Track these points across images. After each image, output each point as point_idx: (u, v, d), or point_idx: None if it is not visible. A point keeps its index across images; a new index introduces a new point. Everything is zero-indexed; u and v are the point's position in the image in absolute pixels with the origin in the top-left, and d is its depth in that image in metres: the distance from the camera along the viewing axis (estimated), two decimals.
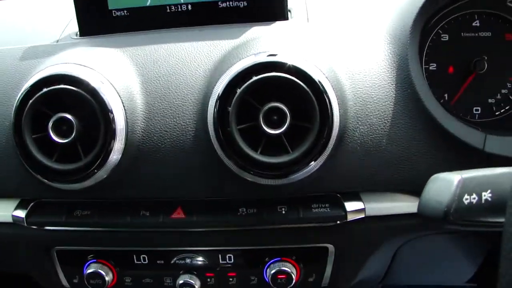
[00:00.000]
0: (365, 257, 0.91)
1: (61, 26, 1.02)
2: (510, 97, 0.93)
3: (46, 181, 0.83)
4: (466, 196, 0.55)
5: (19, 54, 0.93)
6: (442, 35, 0.93)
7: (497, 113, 0.94)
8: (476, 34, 0.93)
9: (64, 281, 1.01)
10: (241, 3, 0.91)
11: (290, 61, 0.76)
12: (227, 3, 0.92)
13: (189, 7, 0.93)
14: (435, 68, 0.93)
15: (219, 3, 0.92)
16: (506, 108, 0.93)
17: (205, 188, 0.84)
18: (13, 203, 0.93)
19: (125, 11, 0.95)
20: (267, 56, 0.77)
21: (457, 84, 0.93)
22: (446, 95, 0.93)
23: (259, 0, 0.91)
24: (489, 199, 0.56)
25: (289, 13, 0.93)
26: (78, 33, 0.97)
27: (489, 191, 0.56)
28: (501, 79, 0.93)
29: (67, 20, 1.03)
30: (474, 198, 0.55)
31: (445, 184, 0.55)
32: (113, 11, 0.95)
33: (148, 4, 0.94)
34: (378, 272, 1.04)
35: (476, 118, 0.94)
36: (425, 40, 0.92)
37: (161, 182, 0.84)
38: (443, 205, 0.54)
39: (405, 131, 0.81)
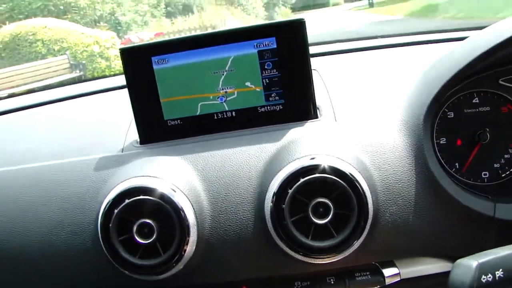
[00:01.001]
0: None
1: (121, 135, 1.19)
2: None
3: (129, 273, 0.99)
4: (483, 277, 0.72)
5: (93, 164, 1.11)
6: (448, 113, 1.11)
7: (503, 175, 1.10)
8: (477, 110, 1.10)
9: None
10: (277, 107, 1.10)
11: (328, 162, 0.93)
12: (265, 108, 1.10)
13: (233, 113, 1.11)
14: (445, 142, 1.10)
15: (258, 108, 1.10)
16: (511, 170, 1.09)
17: (265, 269, 1.01)
18: None
19: (178, 121, 1.13)
20: (310, 159, 0.95)
21: (466, 154, 1.10)
22: (457, 164, 1.10)
23: (292, 103, 1.09)
24: (502, 275, 0.72)
25: (318, 111, 1.11)
26: (139, 141, 1.16)
27: (500, 270, 0.73)
28: (503, 146, 1.09)
29: (125, 128, 1.21)
30: (490, 277, 0.72)
31: (466, 269, 0.72)
32: (168, 121, 1.14)
33: (198, 113, 1.12)
34: None
35: (485, 181, 1.10)
36: (434, 118, 1.09)
37: (228, 267, 1.01)
38: (466, 285, 0.71)
39: (427, 208, 0.97)
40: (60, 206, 1.07)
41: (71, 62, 11.17)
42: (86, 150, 1.16)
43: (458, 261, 0.75)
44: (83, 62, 11.28)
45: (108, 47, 11.75)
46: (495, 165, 1.10)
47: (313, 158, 0.95)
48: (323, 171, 0.93)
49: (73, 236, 1.04)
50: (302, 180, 0.92)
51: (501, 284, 0.72)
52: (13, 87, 9.18)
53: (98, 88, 1.53)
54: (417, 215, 0.97)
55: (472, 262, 0.73)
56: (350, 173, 0.93)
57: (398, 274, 1.00)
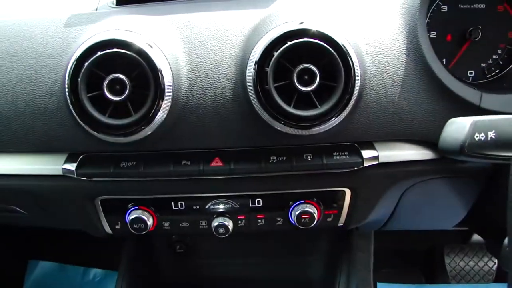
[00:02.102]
0: (376, 199, 1.05)
1: None
2: (500, 62, 1.07)
3: (97, 134, 0.92)
4: (476, 134, 0.69)
5: (63, 21, 1.01)
6: (441, 6, 1.06)
7: (488, 76, 1.08)
8: (472, 6, 1.06)
9: (107, 228, 1.12)
10: None
11: (318, 28, 0.88)
12: None
13: None
14: (435, 36, 1.06)
15: None
16: (496, 71, 1.08)
17: (241, 138, 0.96)
18: (62, 157, 1.02)
19: None
20: (299, 24, 0.88)
21: (454, 50, 1.07)
22: (444, 60, 1.07)
23: None
24: (494, 137, 0.71)
25: None
26: (115, 2, 1.06)
27: (493, 131, 0.71)
28: (493, 46, 1.07)
29: None
30: (483, 136, 0.70)
31: (461, 125, 0.69)
32: None
33: None
34: (383, 216, 1.19)
35: (470, 80, 1.08)
36: (427, 10, 1.05)
37: (202, 135, 0.95)
38: (459, 141, 0.68)
39: (414, 90, 0.94)
40: (26, 62, 0.98)
41: None
42: (57, 7, 1.06)
43: (452, 119, 0.72)
44: None
45: None
46: (482, 65, 1.08)
47: (302, 23, 0.89)
48: (313, 35, 0.87)
49: (38, 95, 0.97)
50: (289, 43, 0.86)
51: (493, 145, 0.71)
52: None
53: None
54: (403, 97, 0.94)
55: (467, 119, 0.70)
56: (340, 42, 0.88)
57: (377, 157, 0.98)
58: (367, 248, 2.03)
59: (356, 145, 0.98)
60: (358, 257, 1.47)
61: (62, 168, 1.01)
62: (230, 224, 1.07)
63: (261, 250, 1.42)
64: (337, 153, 0.98)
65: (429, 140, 0.96)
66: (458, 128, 0.69)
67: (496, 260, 1.99)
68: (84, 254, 2.39)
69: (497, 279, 2.01)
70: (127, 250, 1.32)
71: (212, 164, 0.98)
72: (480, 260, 1.99)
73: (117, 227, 1.11)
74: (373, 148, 0.99)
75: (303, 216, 1.04)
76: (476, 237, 2.06)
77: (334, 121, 0.91)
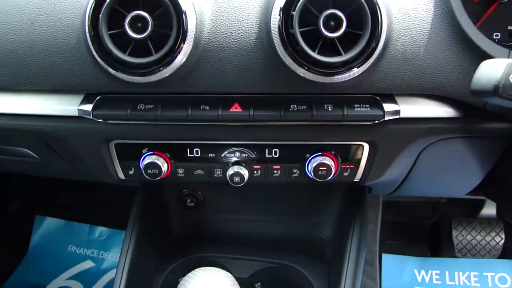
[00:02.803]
0: (394, 155, 1.04)
1: None
2: None
3: (115, 72, 0.90)
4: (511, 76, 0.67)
5: None
6: None
7: None
8: None
9: (120, 173, 1.11)
10: None
11: None
12: None
13: None
14: None
15: None
16: None
17: (261, 84, 0.94)
18: (78, 98, 1.01)
19: None
20: None
21: (482, 10, 1.03)
22: (471, 19, 1.04)
23: None
24: None
25: None
26: None
27: None
28: None
29: None
30: None
31: (496, 66, 0.67)
32: None
33: None
34: (399, 176, 1.17)
35: (495, 42, 1.04)
36: None
37: (222, 79, 0.93)
38: (493, 81, 0.66)
39: (441, 44, 0.92)
40: None
41: None
42: None
43: (486, 60, 0.70)
44: None
45: None
46: (509, 27, 1.04)
47: None
48: None
49: (57, 32, 0.94)
50: None
51: None
52: None
53: None
54: (429, 51, 0.91)
55: (503, 60, 0.68)
56: None
57: (398, 111, 0.96)
58: (375, 218, 2.03)
59: (378, 98, 0.96)
60: (369, 219, 1.47)
61: (78, 109, 1.00)
62: (245, 173, 1.06)
63: (272, 208, 1.42)
64: (358, 105, 0.96)
65: (453, 96, 0.94)
66: (493, 68, 0.67)
67: (503, 235, 1.99)
68: (91, 213, 2.41)
69: (503, 255, 2.01)
70: (137, 203, 1.31)
71: (231, 110, 0.96)
72: (487, 234, 1.99)
73: (131, 172, 1.10)
74: (395, 102, 0.96)
75: (320, 168, 1.03)
76: (484, 212, 2.05)
77: (358, 70, 0.88)
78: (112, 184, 1.87)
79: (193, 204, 1.40)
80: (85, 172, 1.27)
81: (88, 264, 2.30)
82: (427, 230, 2.26)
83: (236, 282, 0.95)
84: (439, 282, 2.09)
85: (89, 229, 2.39)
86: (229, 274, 0.95)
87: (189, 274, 0.93)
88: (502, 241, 1.98)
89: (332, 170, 1.03)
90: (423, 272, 2.13)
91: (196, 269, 0.95)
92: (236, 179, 1.06)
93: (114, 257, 2.31)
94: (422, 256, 2.18)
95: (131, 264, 1.19)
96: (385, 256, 2.17)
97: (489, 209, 2.04)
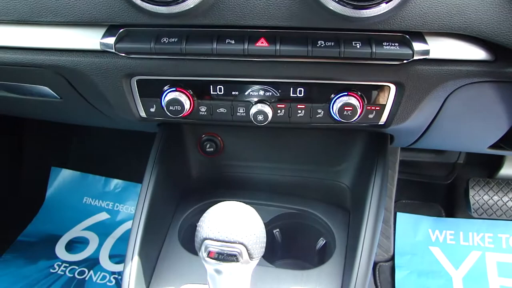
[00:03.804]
0: (421, 98, 1.01)
1: None
2: None
3: (139, 1, 0.88)
4: None
5: None
6: None
7: None
8: None
9: (142, 111, 1.10)
10: None
11: None
12: None
13: None
14: None
15: None
16: None
17: (289, 17, 0.91)
18: (101, 31, 0.98)
19: None
20: None
21: None
22: None
23: None
24: None
25: None
26: None
27: None
28: None
29: None
30: None
31: None
32: None
33: None
34: (423, 122, 1.15)
35: None
36: None
37: (247, 11, 0.90)
38: None
39: None
40: None
41: None
42: None
43: None
44: None
45: None
46: None
47: None
48: None
49: None
50: None
51: None
52: None
53: None
54: None
55: None
56: None
57: (428, 51, 0.93)
58: (392, 176, 2.02)
59: (407, 36, 0.93)
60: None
61: (100, 42, 0.98)
62: (269, 112, 1.04)
63: (292, 156, 1.40)
64: (387, 43, 0.93)
65: (485, 36, 0.90)
66: None
67: None
68: (107, 165, 2.43)
69: None
70: (156, 145, 1.30)
71: (257, 44, 0.94)
72: (504, 195, 1.97)
73: (152, 109, 1.09)
74: (425, 41, 0.93)
75: (346, 108, 1.01)
76: (502, 172, 2.03)
77: (389, 5, 0.85)
78: (130, 135, 1.89)
79: (212, 149, 1.38)
80: (106, 111, 1.26)
81: (103, 216, 2.34)
82: (443, 191, 2.25)
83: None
84: (453, 242, 2.09)
85: (104, 181, 2.42)
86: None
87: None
88: None
89: (357, 111, 1.01)
90: (437, 231, 2.13)
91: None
92: (260, 117, 1.04)
93: (129, 209, 2.34)
94: (437, 216, 2.17)
95: (149, 206, 1.19)
96: (399, 215, 2.17)
97: (508, 170, 2.02)
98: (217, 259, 0.83)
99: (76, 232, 2.27)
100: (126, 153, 2.39)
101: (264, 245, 0.87)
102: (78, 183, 2.43)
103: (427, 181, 2.27)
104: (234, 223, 0.83)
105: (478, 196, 1.98)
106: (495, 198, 1.97)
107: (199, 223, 0.86)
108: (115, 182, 2.42)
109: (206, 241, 0.83)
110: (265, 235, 0.88)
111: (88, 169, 2.45)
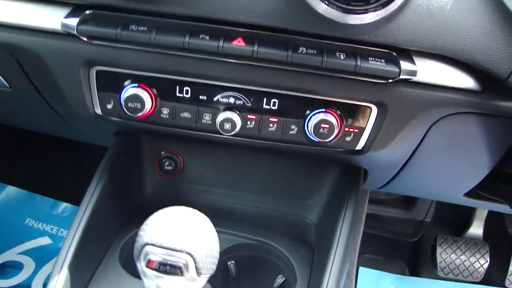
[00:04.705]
0: (403, 123, 0.94)
1: None
2: None
3: None
4: None
5: None
6: None
7: None
8: None
9: (97, 107, 0.99)
10: None
11: None
12: None
13: None
14: None
15: None
16: None
17: (272, 15, 0.84)
18: (64, 11, 0.89)
19: None
20: None
21: None
22: None
23: None
24: None
25: None
26: None
27: None
28: None
29: None
30: None
31: None
32: None
33: None
34: (402, 155, 1.07)
35: None
36: None
37: (229, 3, 0.84)
38: None
39: (470, 3, 0.84)
40: None
41: None
42: None
43: None
44: None
45: None
46: None
47: None
48: None
49: None
50: None
51: None
52: None
53: None
54: (456, 8, 0.83)
55: None
56: None
57: (415, 72, 0.87)
58: (358, 227, 1.93)
59: (395, 54, 0.87)
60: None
61: (62, 22, 0.88)
62: (238, 121, 0.95)
63: (256, 185, 1.29)
64: (373, 59, 0.87)
65: (475, 63, 0.86)
66: None
67: (488, 258, 1.90)
68: (57, 187, 2.25)
69: (486, 278, 1.92)
70: (110, 151, 1.17)
71: (233, 43, 0.86)
72: (472, 255, 1.90)
73: (109, 106, 0.98)
74: (412, 61, 0.87)
75: (322, 125, 0.92)
76: (471, 231, 1.97)
77: (379, 14, 0.79)
78: (86, 156, 1.74)
79: (171, 167, 1.26)
80: (57, 106, 1.14)
81: (44, 241, 2.13)
82: (408, 248, 2.17)
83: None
84: None
85: (52, 204, 2.22)
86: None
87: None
88: (487, 264, 1.89)
89: (334, 130, 0.93)
90: None
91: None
92: (227, 126, 0.94)
93: None
94: (400, 274, 2.07)
95: (89, 220, 1.04)
96: (361, 270, 2.06)
97: (476, 229, 1.96)
98: (158, 270, 0.69)
99: (10, 255, 2.04)
100: (80, 175, 2.22)
101: (216, 261, 0.74)
102: (22, 203, 2.23)
103: (392, 236, 2.19)
104: (182, 229, 0.71)
105: (446, 255, 1.90)
106: (463, 257, 1.89)
107: (141, 227, 0.73)
108: (63, 206, 2.23)
109: (147, 247, 0.69)
110: (218, 250, 0.75)
111: (36, 189, 2.26)
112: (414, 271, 2.10)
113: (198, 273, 0.70)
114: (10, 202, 2.22)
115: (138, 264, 0.72)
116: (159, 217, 0.73)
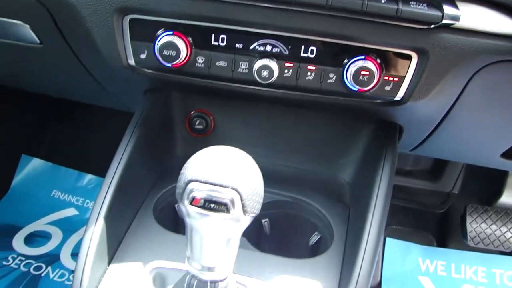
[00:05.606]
0: (444, 71, 0.90)
1: None
2: None
3: None
4: None
5: None
6: None
7: None
8: None
9: (131, 57, 0.97)
10: None
11: None
12: None
13: None
14: None
15: None
16: None
17: None
18: None
19: None
20: None
21: None
22: None
23: None
24: None
25: None
26: None
27: None
28: None
29: None
30: None
31: None
32: None
33: None
34: (440, 108, 1.04)
35: None
36: None
37: None
38: None
39: None
40: None
41: None
42: None
43: None
44: None
45: None
46: None
47: None
48: None
49: None
50: None
51: None
52: None
53: None
54: None
55: None
56: None
57: (458, 17, 0.83)
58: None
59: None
60: None
61: None
62: (275, 69, 0.92)
63: (288, 144, 1.26)
64: (415, 2, 0.84)
65: None
66: None
67: None
68: (81, 160, 2.26)
69: None
70: (141, 110, 1.15)
71: None
72: (503, 225, 1.86)
73: (143, 56, 0.96)
74: (456, 6, 0.84)
75: (362, 73, 0.90)
76: (502, 200, 1.92)
77: None
78: (111, 130, 1.72)
79: (201, 127, 1.24)
80: (89, 62, 1.13)
81: (71, 212, 2.14)
82: (436, 220, 2.13)
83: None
84: (444, 274, 1.95)
85: (77, 176, 2.24)
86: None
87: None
88: None
89: (374, 77, 0.90)
90: (427, 261, 1.99)
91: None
92: (264, 73, 0.92)
93: None
94: (428, 245, 2.04)
95: (123, 171, 1.03)
96: (389, 240, 2.04)
97: (508, 198, 1.91)
98: (202, 207, 0.67)
99: (38, 225, 2.07)
100: (105, 148, 2.23)
101: (261, 201, 0.72)
102: (48, 175, 2.24)
103: (419, 208, 2.15)
104: (227, 165, 0.69)
105: (476, 224, 1.86)
106: (493, 227, 1.85)
107: (184, 165, 0.71)
108: (88, 178, 2.24)
109: (191, 184, 0.67)
110: (263, 190, 0.73)
111: (62, 161, 2.28)
112: (442, 243, 2.07)
113: (244, 210, 0.68)
114: (36, 174, 2.24)
115: (181, 205, 0.70)
116: (203, 154, 0.71)
